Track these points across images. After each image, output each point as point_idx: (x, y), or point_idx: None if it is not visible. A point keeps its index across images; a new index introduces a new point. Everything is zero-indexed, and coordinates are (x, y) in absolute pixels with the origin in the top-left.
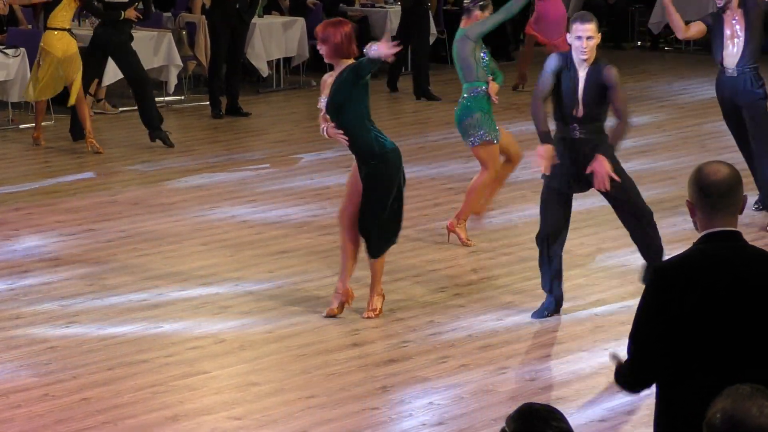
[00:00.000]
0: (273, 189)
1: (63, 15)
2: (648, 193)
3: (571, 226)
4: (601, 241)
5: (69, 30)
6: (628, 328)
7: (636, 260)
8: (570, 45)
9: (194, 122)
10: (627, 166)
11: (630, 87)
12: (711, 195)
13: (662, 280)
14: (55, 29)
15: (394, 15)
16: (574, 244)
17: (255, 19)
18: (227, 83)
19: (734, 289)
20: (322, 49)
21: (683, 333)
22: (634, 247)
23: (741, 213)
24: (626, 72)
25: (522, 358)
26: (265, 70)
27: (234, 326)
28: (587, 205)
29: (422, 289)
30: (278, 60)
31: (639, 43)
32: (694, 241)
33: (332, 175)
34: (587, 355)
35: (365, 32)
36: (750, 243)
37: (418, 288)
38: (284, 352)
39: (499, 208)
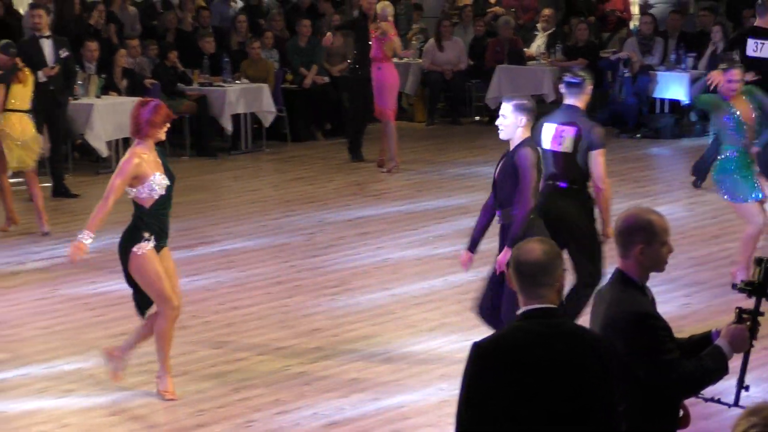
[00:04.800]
0: (112, 270)
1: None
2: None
3: (413, 302)
4: (443, 316)
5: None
6: None
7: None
8: None
9: (32, 204)
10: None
11: (467, 161)
12: (524, 274)
13: (480, 360)
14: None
15: (231, 93)
16: (417, 319)
17: (92, 100)
18: (51, 165)
19: (549, 366)
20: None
21: (505, 409)
22: (476, 320)
23: (561, 289)
24: (464, 146)
25: None
26: (104, 151)
27: (78, 409)
28: (430, 280)
29: (266, 368)
30: (117, 140)
31: (476, 117)
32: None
33: (173, 254)
34: (433, 430)
35: (203, 111)
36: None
37: (262, 367)
38: None
39: (342, 285)
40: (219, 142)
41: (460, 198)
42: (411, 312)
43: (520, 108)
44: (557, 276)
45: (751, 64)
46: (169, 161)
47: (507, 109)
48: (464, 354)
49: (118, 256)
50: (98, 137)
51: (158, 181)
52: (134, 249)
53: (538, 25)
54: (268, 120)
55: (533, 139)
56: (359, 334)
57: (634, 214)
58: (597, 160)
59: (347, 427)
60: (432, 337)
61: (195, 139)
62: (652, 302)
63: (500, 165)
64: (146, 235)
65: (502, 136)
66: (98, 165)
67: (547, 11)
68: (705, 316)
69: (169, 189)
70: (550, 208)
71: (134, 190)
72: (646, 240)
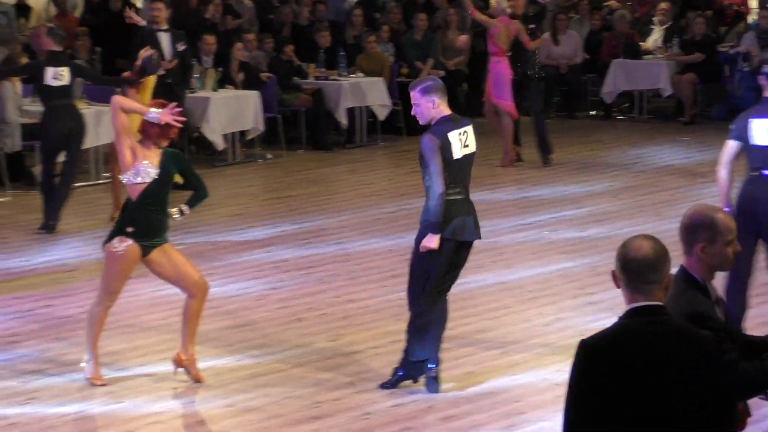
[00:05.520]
0: (230, 262)
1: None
2: (606, 262)
3: (528, 295)
4: (559, 311)
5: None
6: None
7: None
8: None
9: None
10: (584, 234)
11: (584, 156)
12: (632, 271)
13: (589, 358)
14: None
15: (347, 87)
16: (532, 313)
17: (209, 93)
18: None
19: (655, 367)
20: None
21: (612, 408)
22: (592, 315)
23: (666, 288)
24: (580, 141)
25: (484, 428)
26: (220, 144)
27: (194, 401)
28: (545, 273)
29: (382, 361)
30: (233, 133)
31: (592, 112)
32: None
33: (289, 247)
34: (549, 425)
35: (319, 105)
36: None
37: (377, 360)
38: (245, 426)
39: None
40: (334, 136)
41: (575, 189)
42: (526, 306)
43: (427, 90)
44: (665, 273)
45: None
46: (285, 155)
47: (416, 96)
48: None
49: None
50: (214, 130)
51: (144, 169)
52: (114, 241)
53: (655, 19)
54: (383, 114)
55: (453, 120)
56: (474, 327)
57: (698, 211)
58: None
59: (463, 420)
60: (548, 332)
61: (310, 132)
62: (716, 302)
63: None
64: (129, 229)
65: (421, 122)
66: (214, 158)
67: (663, 5)
68: None
69: (156, 183)
70: (756, 197)
71: (125, 177)
72: (709, 238)
